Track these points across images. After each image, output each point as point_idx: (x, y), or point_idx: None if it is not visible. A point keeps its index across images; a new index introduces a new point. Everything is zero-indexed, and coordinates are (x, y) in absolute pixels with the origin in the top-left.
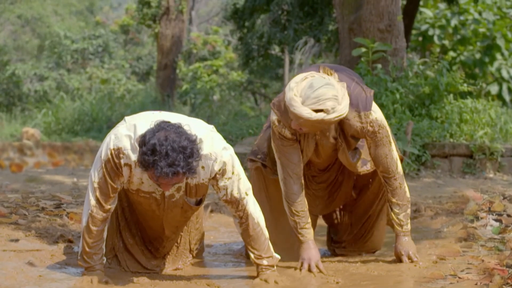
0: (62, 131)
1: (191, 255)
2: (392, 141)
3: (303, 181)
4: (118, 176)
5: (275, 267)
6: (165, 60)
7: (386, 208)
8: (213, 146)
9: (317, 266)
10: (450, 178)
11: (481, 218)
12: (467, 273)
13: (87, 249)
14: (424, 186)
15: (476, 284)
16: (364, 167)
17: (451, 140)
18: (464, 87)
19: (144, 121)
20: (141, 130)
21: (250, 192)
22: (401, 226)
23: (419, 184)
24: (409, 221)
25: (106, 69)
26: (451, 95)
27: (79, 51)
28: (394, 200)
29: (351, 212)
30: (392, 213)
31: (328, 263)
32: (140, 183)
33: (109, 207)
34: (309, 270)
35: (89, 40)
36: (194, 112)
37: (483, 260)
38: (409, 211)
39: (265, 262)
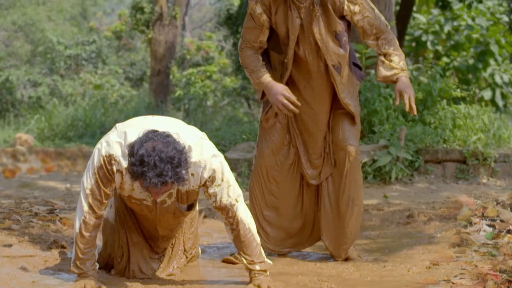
0: (56, 137)
1: (185, 256)
2: (373, 7)
3: (259, 52)
4: (111, 182)
5: (268, 272)
6: (158, 66)
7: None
8: (202, 153)
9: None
10: (443, 183)
11: (475, 223)
12: (460, 278)
13: (80, 255)
14: (418, 191)
15: None
16: (352, 108)
17: (444, 145)
18: (457, 93)
19: (134, 128)
20: (131, 137)
21: (241, 199)
22: (403, 70)
23: (413, 189)
24: (407, 65)
25: (99, 74)
26: (444, 101)
27: (72, 57)
28: (391, 51)
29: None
30: (393, 64)
31: (321, 269)
32: (131, 190)
33: (101, 213)
34: (286, 100)
35: (83, 46)
36: (188, 118)
37: (476, 266)
38: (404, 58)
39: (257, 267)
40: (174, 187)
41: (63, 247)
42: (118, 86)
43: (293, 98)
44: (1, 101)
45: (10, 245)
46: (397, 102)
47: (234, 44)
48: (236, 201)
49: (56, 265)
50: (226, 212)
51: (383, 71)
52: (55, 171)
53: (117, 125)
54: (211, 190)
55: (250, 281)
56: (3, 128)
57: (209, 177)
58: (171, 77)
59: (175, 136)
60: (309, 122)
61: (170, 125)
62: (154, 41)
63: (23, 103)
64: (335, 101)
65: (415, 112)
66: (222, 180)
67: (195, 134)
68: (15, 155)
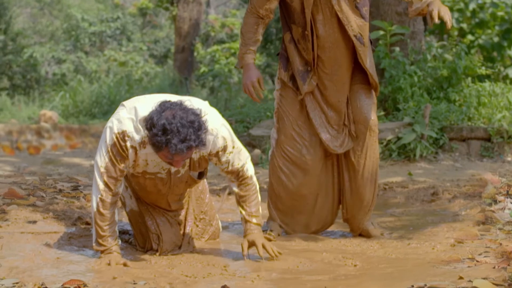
0: (80, 114)
1: (195, 225)
2: None
3: (261, 23)
4: (124, 159)
5: (261, 227)
6: (182, 43)
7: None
8: (213, 122)
9: (258, 81)
10: (468, 161)
11: (499, 201)
12: (485, 256)
13: (101, 232)
14: (442, 169)
15: (493, 267)
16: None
17: (469, 123)
18: (482, 70)
19: (142, 103)
20: (142, 112)
21: (249, 160)
22: None
23: (437, 167)
24: None
25: (124, 52)
26: (469, 78)
27: (97, 34)
28: None
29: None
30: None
31: (345, 246)
32: (146, 165)
33: (117, 190)
34: (253, 88)
35: (107, 23)
36: (213, 95)
37: (501, 244)
38: None
39: (254, 220)
40: (196, 151)
41: (87, 223)
42: (143, 63)
43: (259, 89)
44: (26, 78)
45: (34, 222)
46: (430, 24)
47: None
48: (246, 162)
49: (81, 242)
50: (236, 174)
51: (414, 6)
52: (79, 148)
53: (124, 102)
54: (223, 159)
55: (245, 235)
56: (28, 105)
57: (221, 147)
58: (195, 54)
59: (188, 103)
60: (331, 93)
61: (175, 98)
62: (179, 18)
63: (48, 80)
64: (353, 73)
65: (450, 24)
66: (233, 147)
67: (202, 103)
68: (39, 132)
